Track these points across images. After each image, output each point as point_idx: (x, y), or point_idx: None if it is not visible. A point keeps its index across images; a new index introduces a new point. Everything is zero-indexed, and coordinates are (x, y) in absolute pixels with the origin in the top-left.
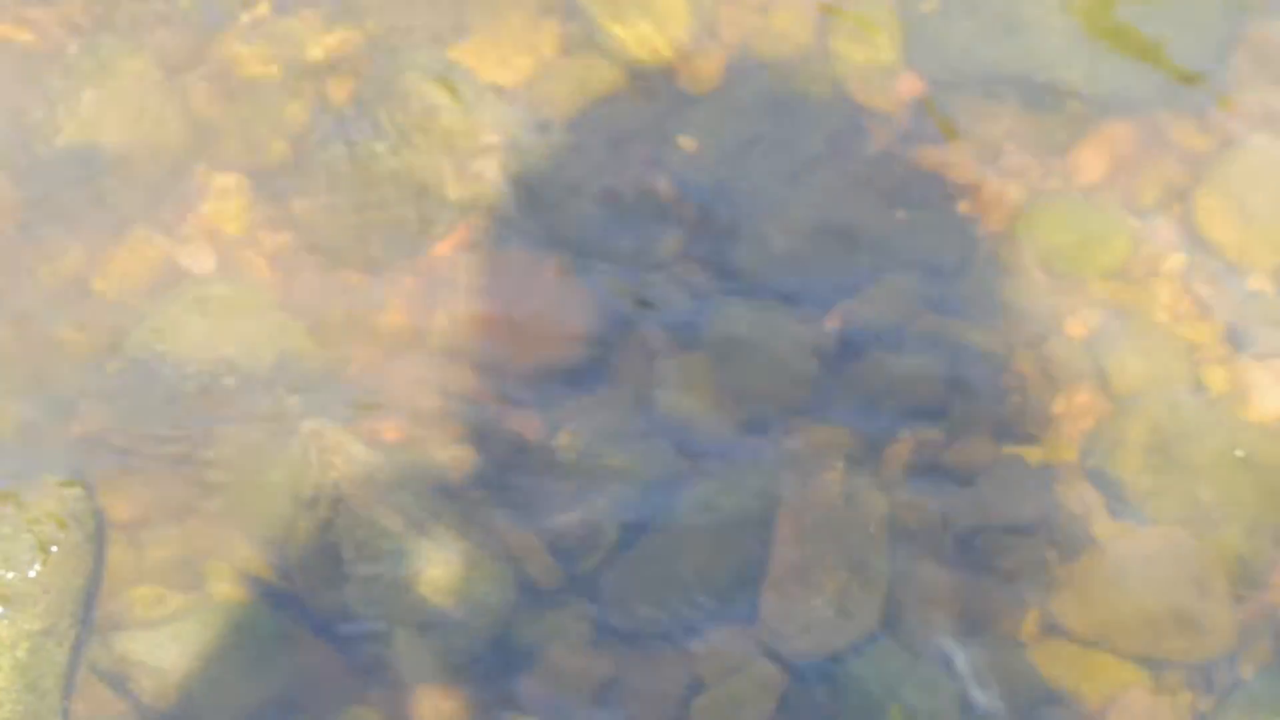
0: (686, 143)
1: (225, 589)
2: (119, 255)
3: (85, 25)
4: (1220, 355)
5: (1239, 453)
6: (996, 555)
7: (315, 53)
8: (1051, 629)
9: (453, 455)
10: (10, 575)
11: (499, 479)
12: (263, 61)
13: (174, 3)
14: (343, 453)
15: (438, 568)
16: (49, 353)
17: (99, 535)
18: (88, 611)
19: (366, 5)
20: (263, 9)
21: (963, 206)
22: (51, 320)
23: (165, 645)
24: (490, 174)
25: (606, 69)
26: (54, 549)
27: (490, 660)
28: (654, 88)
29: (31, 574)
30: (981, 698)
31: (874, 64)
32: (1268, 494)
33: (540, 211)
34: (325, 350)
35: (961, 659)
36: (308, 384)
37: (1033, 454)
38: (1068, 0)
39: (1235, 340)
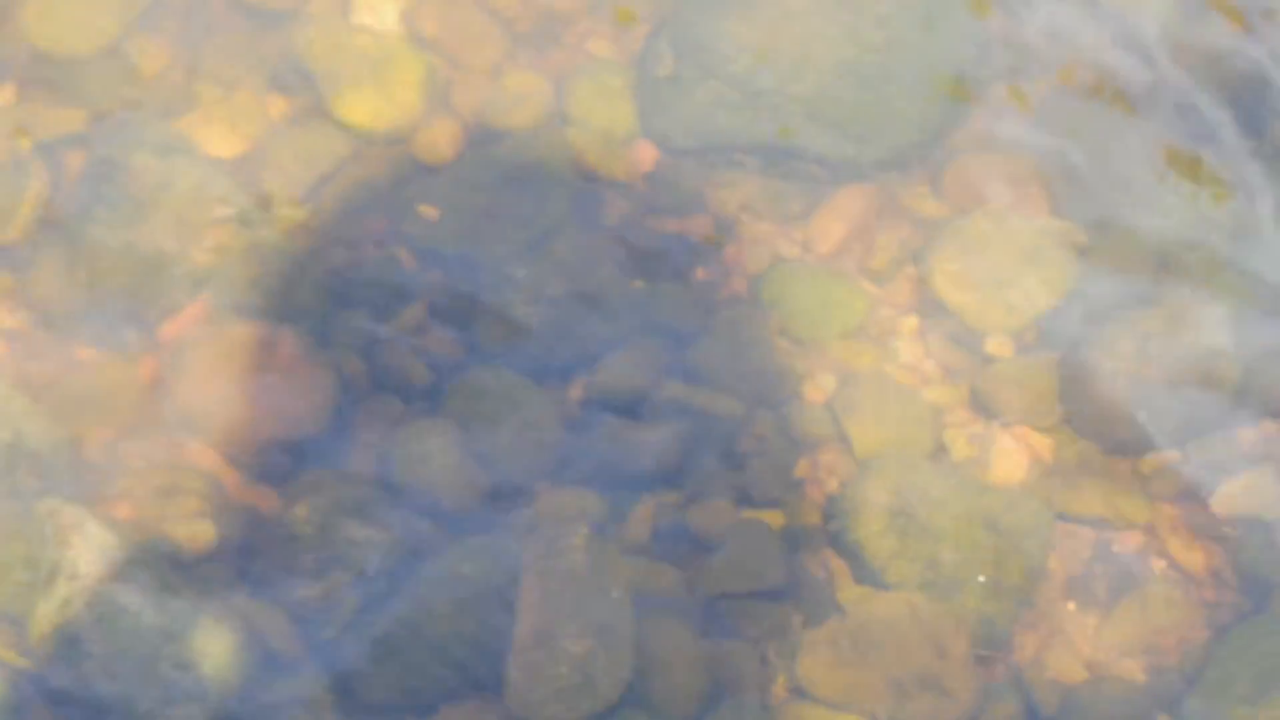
0: (427, 211)
1: None
2: None
3: None
4: (962, 419)
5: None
6: (742, 619)
7: (49, 129)
8: (798, 693)
9: (190, 531)
10: None
11: (238, 553)
12: (2, 140)
13: None
14: (80, 531)
15: (178, 643)
16: None
17: None
18: None
19: (94, 82)
20: (7, 94)
21: (702, 273)
22: None
23: None
24: (222, 246)
25: (338, 140)
26: None
27: None
28: (389, 158)
29: None
30: None
31: (610, 131)
32: (1009, 556)
33: (275, 282)
34: (61, 429)
35: None
36: (44, 463)
37: (775, 518)
38: (803, 68)
39: (977, 404)
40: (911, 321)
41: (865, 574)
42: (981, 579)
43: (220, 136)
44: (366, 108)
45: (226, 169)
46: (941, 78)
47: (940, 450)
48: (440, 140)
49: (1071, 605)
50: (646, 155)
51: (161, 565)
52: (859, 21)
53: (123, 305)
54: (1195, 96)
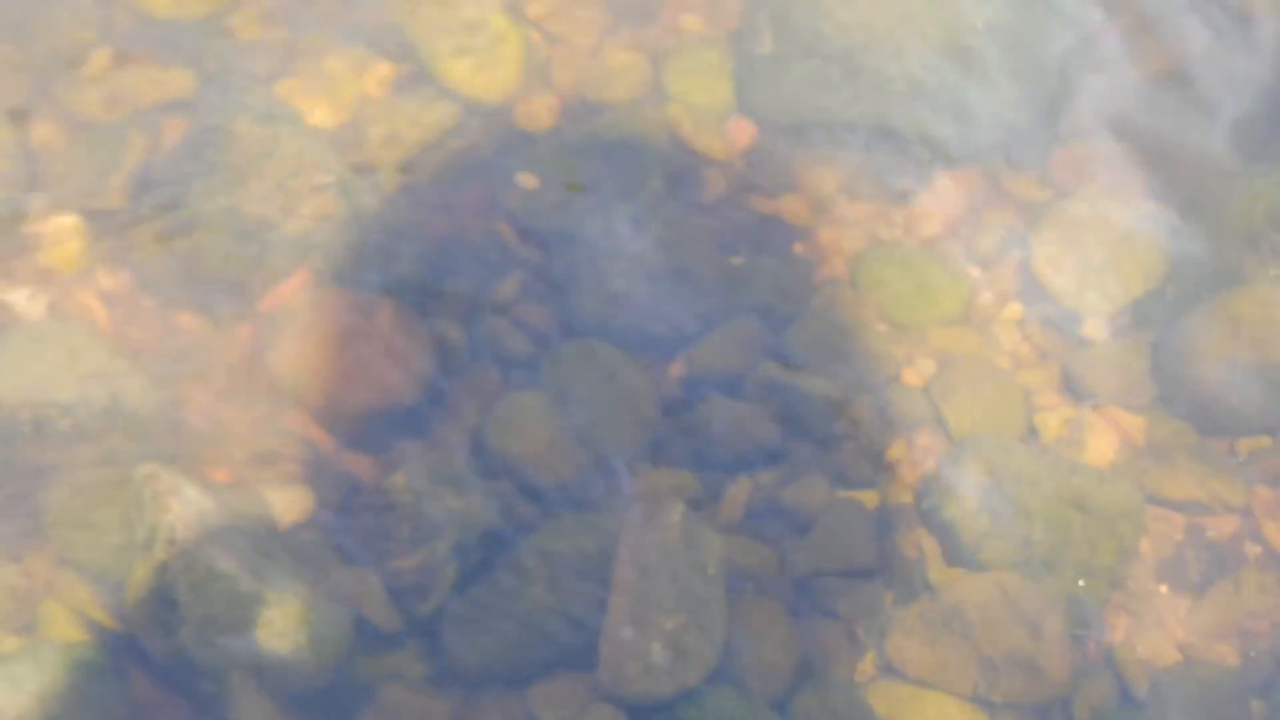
0: (526, 182)
1: (61, 631)
2: None
3: None
4: (1054, 402)
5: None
6: (833, 598)
7: (151, 96)
8: (888, 670)
9: (288, 498)
10: None
11: (335, 521)
12: (101, 105)
13: (10, 46)
14: (178, 495)
15: (273, 609)
16: None
17: None
18: None
19: (199, 49)
20: (104, 59)
21: (800, 252)
22: None
23: (0, 687)
24: (323, 214)
25: (439, 109)
26: None
27: (327, 702)
28: (488, 129)
29: None
30: None
31: (708, 108)
32: (1100, 537)
33: (374, 251)
34: (159, 393)
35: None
36: (142, 427)
37: (869, 498)
38: (905, 48)
39: (1069, 387)
40: (1012, 306)
41: (958, 554)
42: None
43: (321, 103)
44: (467, 77)
45: (327, 136)
46: (1044, 62)
47: (1034, 432)
48: (539, 112)
49: (1164, 588)
50: (744, 132)
51: (258, 531)
52: (962, 2)
53: (223, 271)
54: None
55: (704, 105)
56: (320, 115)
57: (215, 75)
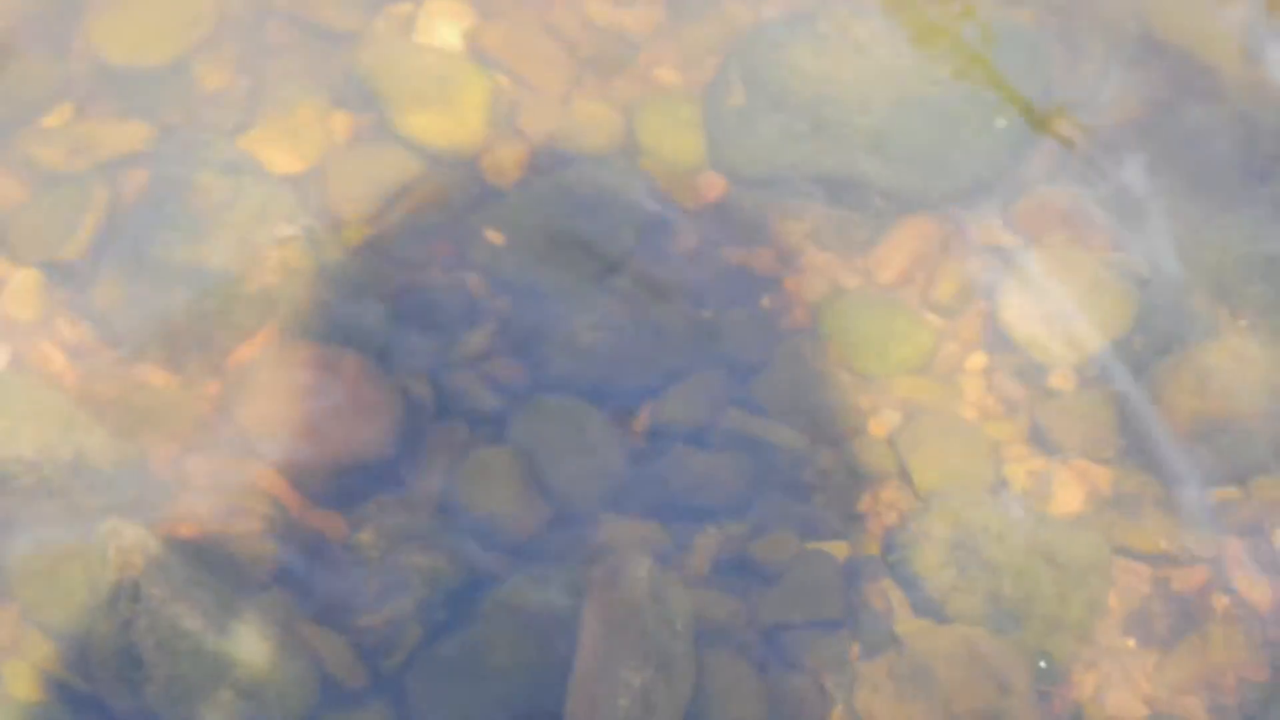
0: (494, 236)
1: (24, 689)
2: None
3: None
4: (1022, 453)
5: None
6: (801, 651)
7: (111, 145)
8: None
9: (254, 553)
10: None
11: (301, 577)
12: (63, 157)
13: None
14: (142, 551)
15: (239, 668)
16: None
17: None
18: None
19: (160, 99)
20: (65, 112)
21: (767, 304)
22: None
23: None
24: (288, 267)
25: (403, 160)
26: None
27: None
28: (455, 180)
29: None
30: None
31: (679, 161)
32: (1069, 590)
33: (341, 305)
34: (124, 447)
35: None
36: (106, 482)
37: (838, 550)
38: (870, 100)
39: (1037, 438)
40: (977, 356)
41: (925, 607)
42: (1042, 664)
43: (284, 155)
44: (431, 127)
45: (291, 188)
46: (1008, 112)
47: (1001, 484)
48: (507, 163)
49: (1131, 642)
50: (715, 185)
51: (225, 589)
52: (926, 55)
53: (188, 325)
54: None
55: (676, 158)
56: (283, 166)
57: (177, 126)
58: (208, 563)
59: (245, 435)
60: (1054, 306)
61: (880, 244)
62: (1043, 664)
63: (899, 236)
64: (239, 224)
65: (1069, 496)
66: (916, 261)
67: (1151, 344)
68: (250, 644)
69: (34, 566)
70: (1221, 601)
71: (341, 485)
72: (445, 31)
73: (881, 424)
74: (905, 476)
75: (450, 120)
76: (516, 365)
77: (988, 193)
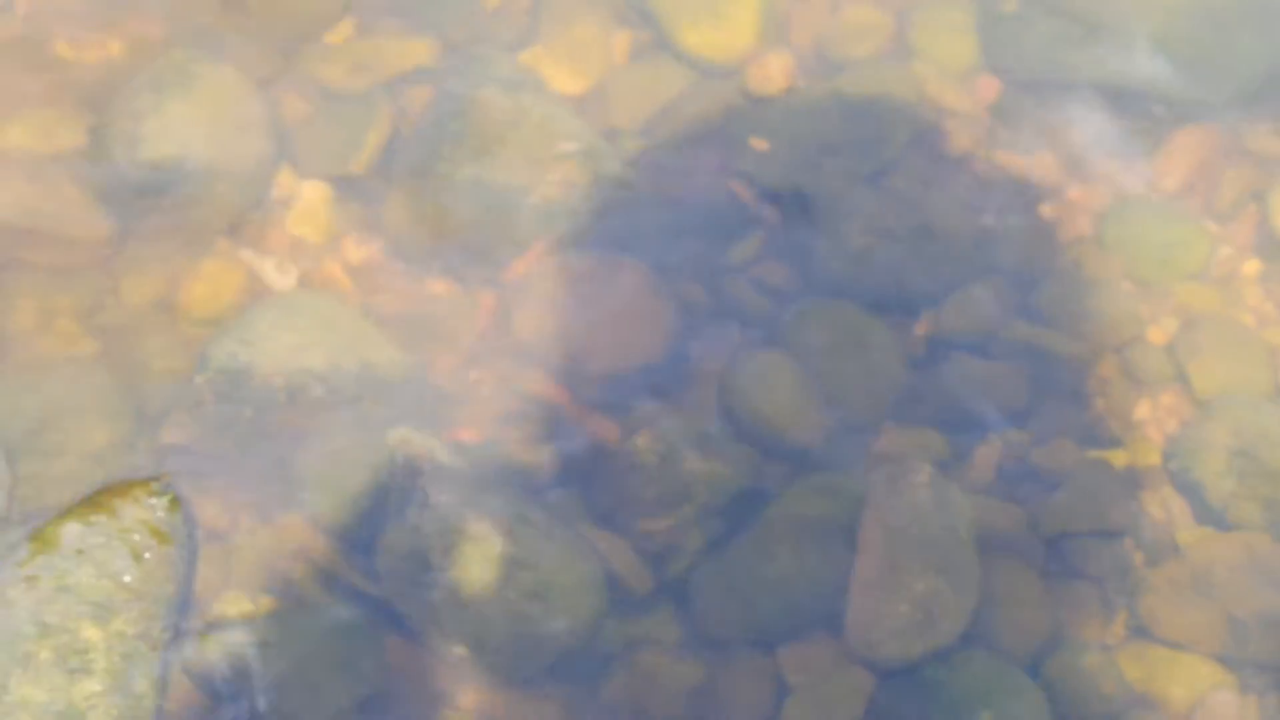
0: (759, 144)
1: (315, 593)
2: (204, 269)
3: (169, 37)
4: None
5: None
6: (1083, 559)
7: (396, 64)
8: (1139, 632)
9: (536, 459)
10: (105, 582)
11: (582, 482)
12: (345, 74)
13: (257, 17)
14: (429, 458)
15: (526, 571)
16: (138, 367)
17: (190, 542)
18: (180, 616)
19: (444, 16)
20: (346, 28)
21: (1045, 210)
22: (139, 335)
23: (256, 647)
24: (568, 181)
25: (679, 74)
26: (146, 556)
27: (580, 664)
28: (729, 92)
29: (126, 580)
30: None
31: (952, 64)
32: None
33: (618, 217)
34: (408, 357)
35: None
36: (392, 392)
37: (1118, 458)
38: (1149, 4)
39: None
40: (1253, 263)
41: (1206, 514)
42: None
43: (564, 73)
44: (707, 42)
45: (572, 104)
46: None
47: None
48: (778, 73)
49: None
50: (990, 88)
51: (510, 493)
52: None
53: (470, 239)
54: None
55: (949, 62)
56: (565, 84)
57: (459, 43)
58: (492, 469)
59: (524, 344)
60: None
61: (1161, 151)
62: None
63: (1180, 143)
64: (523, 140)
65: None
66: (1198, 169)
67: None
68: (537, 548)
69: (325, 474)
70: None
71: (618, 391)
72: None
73: (1161, 331)
74: (1185, 383)
75: (725, 34)
76: (789, 270)
77: (1265, 100)
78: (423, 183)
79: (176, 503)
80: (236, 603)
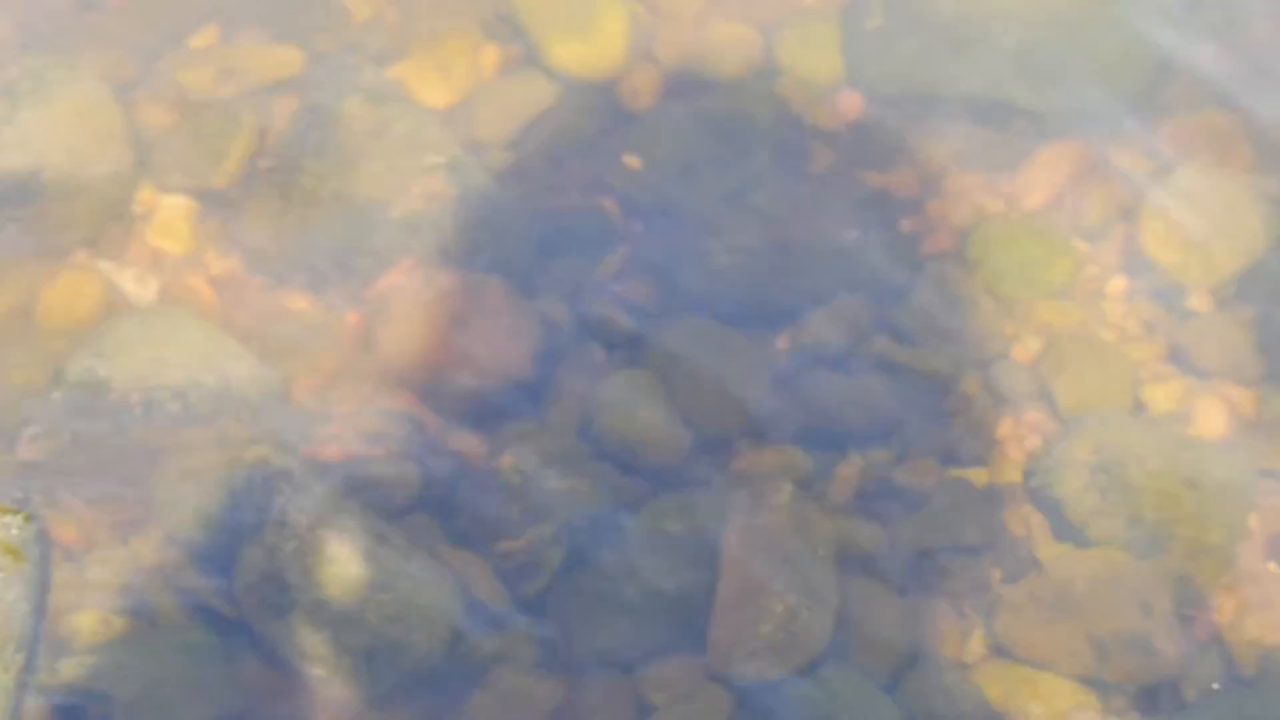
0: (626, 160)
1: (171, 614)
2: (62, 280)
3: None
4: (1162, 375)
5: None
6: (943, 577)
7: (262, 73)
8: (998, 650)
9: (397, 478)
10: None
11: (443, 501)
12: (211, 80)
13: (116, 20)
14: (288, 478)
15: (385, 592)
16: None
17: (45, 561)
18: (34, 637)
19: (312, 26)
20: (211, 34)
21: (908, 226)
22: None
23: (111, 669)
24: (432, 195)
25: (547, 89)
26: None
27: (439, 685)
28: (594, 107)
29: None
30: None
31: (817, 81)
32: (1209, 513)
33: (482, 232)
34: (269, 375)
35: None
36: (252, 409)
37: (979, 476)
38: (1013, 20)
39: (1178, 359)
40: (1119, 280)
41: (1066, 531)
42: (1215, 686)
43: (432, 85)
44: (575, 57)
45: (438, 117)
46: (1151, 36)
47: (1141, 407)
48: (644, 89)
49: (1273, 566)
50: (853, 104)
51: (369, 513)
52: None
53: (333, 253)
54: None
55: (814, 78)
56: (433, 98)
57: (327, 54)
58: (352, 488)
59: (388, 360)
60: (1194, 229)
61: (1025, 167)
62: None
63: (1044, 159)
64: (385, 153)
65: (1211, 419)
66: (1062, 185)
67: None
68: (395, 568)
69: (182, 493)
70: None
71: (482, 410)
72: None
73: (1025, 349)
74: (1048, 400)
75: (593, 49)
76: (653, 288)
77: (1131, 114)
78: (286, 195)
79: (31, 520)
80: (91, 623)
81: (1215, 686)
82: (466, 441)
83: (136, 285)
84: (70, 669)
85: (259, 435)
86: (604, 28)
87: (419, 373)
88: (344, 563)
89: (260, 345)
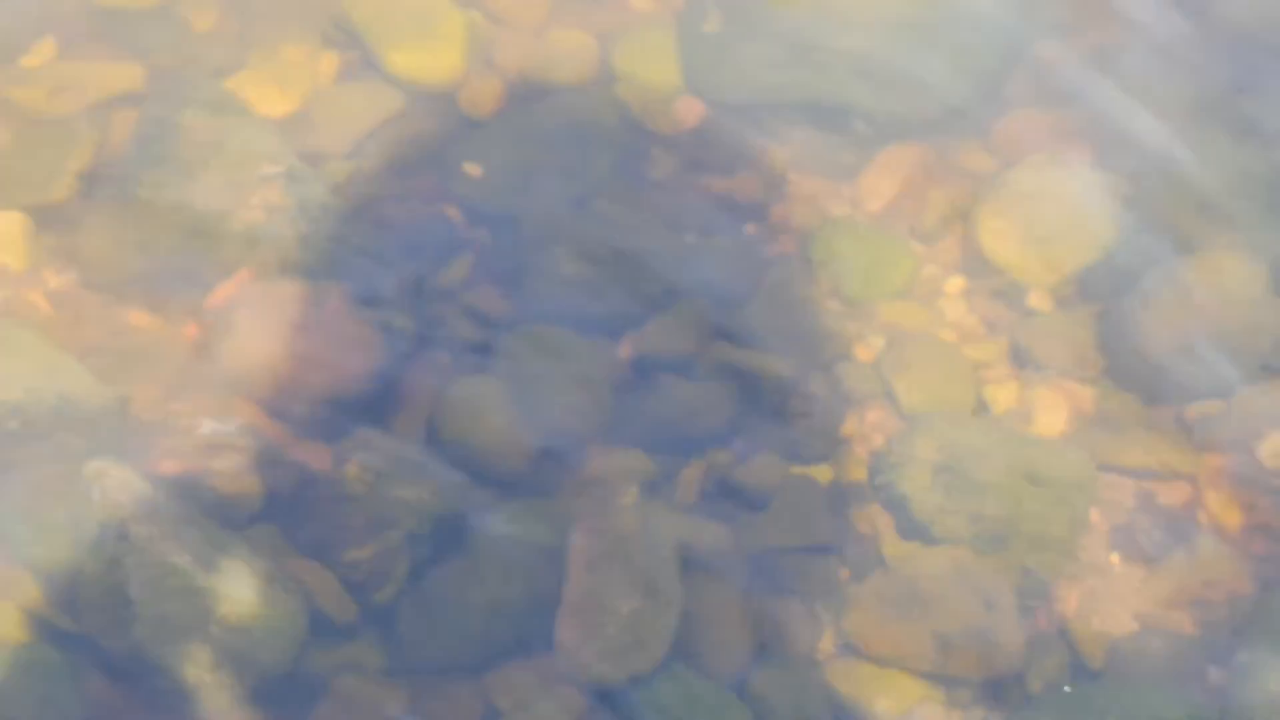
0: (469, 168)
1: (13, 631)
2: None
3: None
4: (1004, 374)
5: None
6: (789, 576)
7: (100, 88)
8: (847, 649)
9: (240, 489)
10: None
11: (288, 512)
12: (47, 97)
13: None
14: (128, 491)
15: (227, 604)
16: None
17: None
18: None
19: (151, 41)
20: (46, 50)
21: (751, 231)
22: None
23: None
24: (271, 205)
25: (388, 97)
26: None
27: (283, 694)
28: (435, 115)
29: None
30: None
31: (655, 87)
32: (1052, 508)
33: (324, 241)
34: (108, 389)
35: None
36: (91, 423)
37: (823, 474)
38: (851, 24)
39: (1018, 359)
40: (957, 280)
41: (911, 529)
42: (1067, 689)
43: (273, 96)
44: (412, 64)
45: (276, 127)
46: (990, 35)
47: (984, 405)
48: (484, 97)
49: (1116, 558)
50: (693, 111)
51: (211, 525)
52: None
53: (172, 265)
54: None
55: (653, 85)
56: (272, 107)
57: (166, 68)
58: (194, 500)
59: (229, 372)
60: (1033, 227)
61: (865, 170)
62: (1067, 689)
63: (884, 162)
64: (225, 164)
65: (1052, 416)
66: (902, 187)
67: (1131, 262)
68: (238, 580)
69: (22, 508)
70: (1205, 516)
71: (326, 420)
72: None
73: (868, 348)
74: (891, 399)
75: (431, 56)
76: (497, 296)
77: (970, 115)
78: (124, 209)
79: None
80: None
81: (1067, 690)
82: (310, 451)
83: None
84: None
85: (99, 449)
86: (442, 35)
87: (260, 384)
88: (186, 574)
89: (99, 359)
